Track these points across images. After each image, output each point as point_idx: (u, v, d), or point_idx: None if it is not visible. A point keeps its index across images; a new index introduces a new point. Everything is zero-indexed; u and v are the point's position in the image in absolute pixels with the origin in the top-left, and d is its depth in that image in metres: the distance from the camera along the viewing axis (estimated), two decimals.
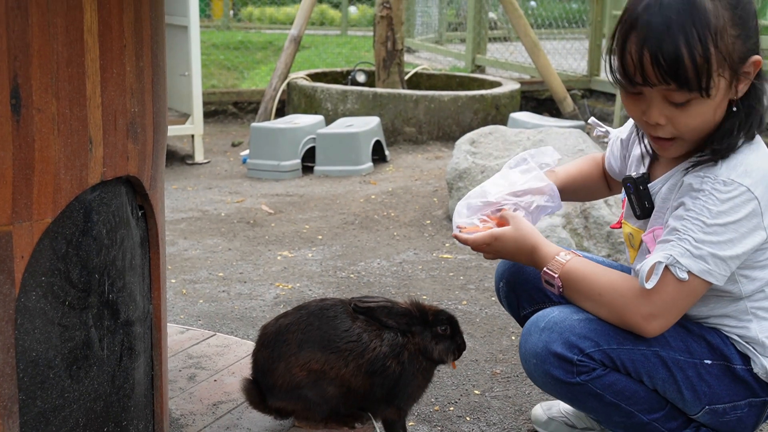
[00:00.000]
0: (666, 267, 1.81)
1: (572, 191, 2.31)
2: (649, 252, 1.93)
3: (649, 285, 1.82)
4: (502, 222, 2.09)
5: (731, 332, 1.98)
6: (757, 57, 1.82)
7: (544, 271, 1.99)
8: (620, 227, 2.16)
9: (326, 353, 2.09)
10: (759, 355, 1.96)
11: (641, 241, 2.00)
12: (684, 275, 1.81)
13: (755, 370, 1.97)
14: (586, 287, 1.94)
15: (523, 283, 2.30)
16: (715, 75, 1.77)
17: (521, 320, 2.33)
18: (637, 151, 2.12)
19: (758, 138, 1.90)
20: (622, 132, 2.22)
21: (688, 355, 1.96)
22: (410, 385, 2.14)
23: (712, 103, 1.81)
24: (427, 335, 2.14)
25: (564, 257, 1.98)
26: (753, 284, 1.93)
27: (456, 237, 2.12)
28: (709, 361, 1.97)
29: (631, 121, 2.14)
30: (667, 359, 1.95)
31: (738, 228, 1.81)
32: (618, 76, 1.85)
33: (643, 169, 2.07)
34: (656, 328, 1.89)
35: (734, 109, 1.85)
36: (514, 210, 2.11)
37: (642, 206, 2.01)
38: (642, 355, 1.94)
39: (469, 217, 2.15)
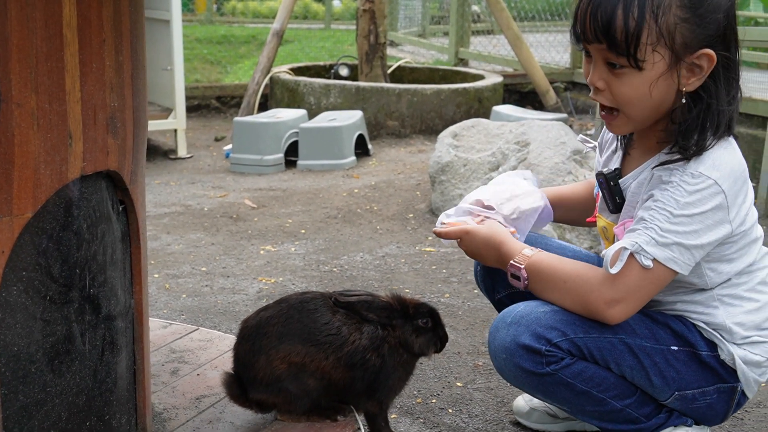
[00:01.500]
0: (631, 254, 1.84)
1: (565, 209, 2.34)
2: None
3: (614, 270, 1.85)
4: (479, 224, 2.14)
5: (697, 319, 2.01)
6: (708, 51, 1.82)
7: (511, 264, 2.02)
8: (595, 221, 2.18)
9: (306, 346, 2.10)
10: (725, 342, 1.99)
11: (614, 234, 2.03)
12: (648, 263, 1.84)
13: (722, 357, 2.00)
14: (551, 276, 1.97)
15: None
16: (648, 47, 1.81)
17: (496, 304, 2.36)
18: (612, 145, 2.14)
19: (731, 138, 1.92)
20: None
21: (654, 341, 1.99)
22: (391, 378, 2.15)
23: (646, 77, 1.84)
24: (408, 328, 2.15)
25: (529, 252, 2.02)
26: (720, 277, 1.96)
27: (435, 231, 2.17)
28: (675, 348, 2.00)
29: None
30: (633, 346, 1.98)
31: (704, 219, 1.84)
32: (570, 32, 1.91)
33: (615, 165, 2.09)
34: (619, 313, 1.92)
35: (683, 100, 1.87)
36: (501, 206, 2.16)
37: (614, 201, 2.04)
38: (608, 342, 1.97)
39: (452, 217, 2.20)
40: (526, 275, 2.00)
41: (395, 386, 2.19)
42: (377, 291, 3.53)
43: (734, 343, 1.99)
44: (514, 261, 2.01)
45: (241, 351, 2.19)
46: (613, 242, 2.03)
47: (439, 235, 2.16)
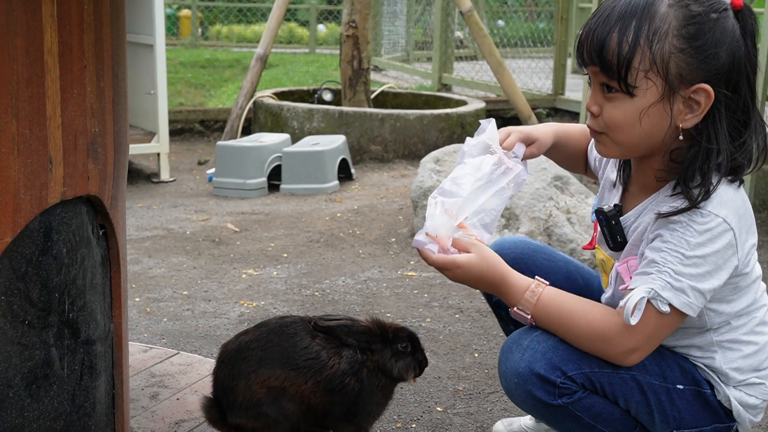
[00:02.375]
0: (647, 301, 1.81)
1: (560, 147, 2.26)
2: (624, 282, 1.93)
3: (633, 321, 1.80)
4: (464, 247, 1.99)
5: (696, 361, 1.99)
6: (704, 86, 1.80)
7: (515, 311, 1.96)
8: (592, 248, 2.16)
9: (286, 370, 2.10)
10: (721, 384, 1.97)
11: (614, 268, 2.02)
12: (666, 308, 1.81)
13: (718, 398, 1.98)
14: (563, 328, 1.93)
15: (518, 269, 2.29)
16: (640, 72, 1.79)
17: (493, 305, 2.32)
18: (612, 175, 2.11)
19: (738, 184, 1.89)
20: None
21: (662, 379, 1.96)
22: (370, 403, 2.16)
23: (637, 104, 1.82)
24: (387, 353, 2.15)
25: (532, 297, 1.94)
26: (719, 317, 1.94)
27: (418, 251, 1.99)
28: (681, 386, 1.97)
29: None
30: (643, 383, 1.95)
31: (716, 260, 1.81)
32: (575, 55, 1.92)
33: (614, 201, 2.06)
34: (635, 360, 1.90)
35: (680, 137, 1.85)
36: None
37: (614, 239, 2.00)
38: (621, 379, 1.94)
39: (440, 228, 2.00)
40: (533, 322, 1.96)
41: (374, 411, 2.19)
42: (358, 315, 3.53)
43: (730, 386, 1.98)
44: (519, 309, 1.95)
45: (220, 375, 2.19)
46: (611, 276, 2.03)
47: (424, 258, 2.00)
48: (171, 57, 11.70)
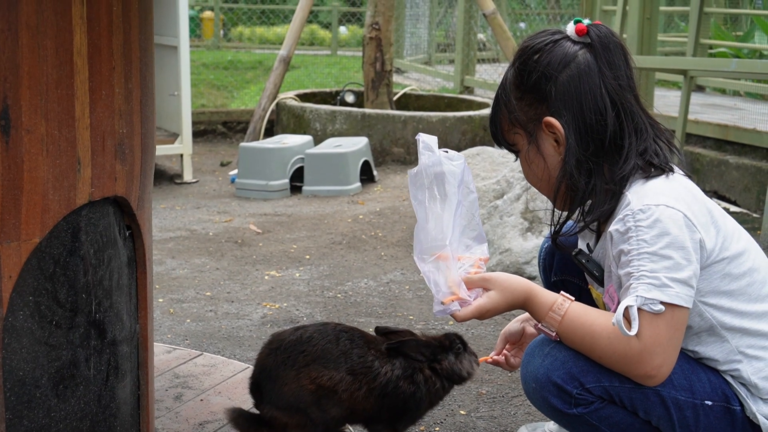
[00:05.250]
0: (639, 309, 1.80)
1: None
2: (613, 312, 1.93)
3: (632, 332, 1.80)
4: (478, 285, 2.01)
5: (725, 375, 1.96)
6: (547, 118, 1.95)
7: (540, 327, 1.97)
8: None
9: (341, 372, 2.12)
10: (750, 399, 1.94)
11: (604, 303, 2.02)
12: (659, 307, 1.80)
13: (747, 414, 1.95)
14: (586, 348, 1.92)
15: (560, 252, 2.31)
16: (509, 133, 2.03)
17: (550, 285, 2.31)
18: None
19: (674, 174, 1.93)
20: None
21: (689, 394, 1.93)
22: (417, 408, 2.20)
23: (523, 158, 2.03)
24: (451, 358, 2.22)
25: (557, 312, 1.93)
26: (723, 313, 1.91)
27: (453, 316, 2.01)
28: (709, 402, 1.94)
29: None
30: (666, 398, 1.92)
31: (680, 244, 1.81)
32: None
33: (590, 239, 2.10)
34: (663, 376, 1.87)
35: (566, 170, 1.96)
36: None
37: (594, 276, 2.05)
38: (642, 393, 1.92)
39: (451, 284, 2.01)
40: (558, 338, 1.96)
41: (417, 416, 2.24)
42: (381, 318, 3.54)
43: (761, 398, 1.95)
44: (543, 326, 1.96)
45: (269, 361, 2.18)
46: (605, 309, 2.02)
47: (457, 320, 2.02)
48: (193, 58, 11.74)
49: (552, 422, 2.42)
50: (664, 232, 1.81)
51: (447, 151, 2.05)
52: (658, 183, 1.89)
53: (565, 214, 2.08)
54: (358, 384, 2.11)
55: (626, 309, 1.80)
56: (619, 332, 1.84)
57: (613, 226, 1.88)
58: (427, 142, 2.04)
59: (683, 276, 1.81)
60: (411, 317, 3.58)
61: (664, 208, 1.82)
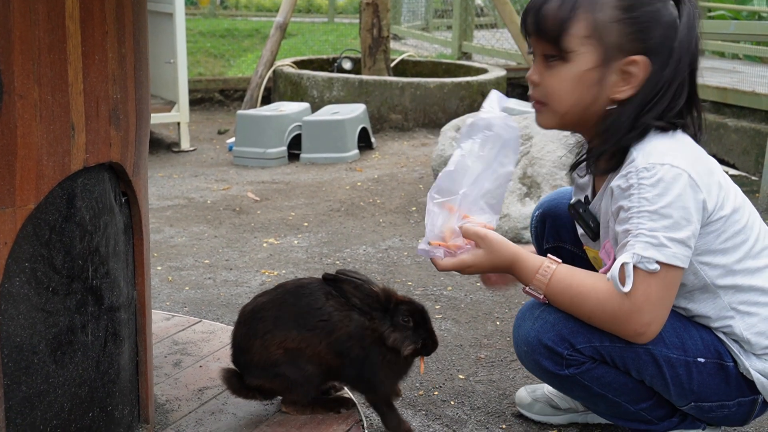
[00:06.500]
0: (634, 267, 1.80)
1: None
2: (606, 266, 1.93)
3: (626, 288, 1.80)
4: (473, 237, 1.99)
5: (717, 332, 1.98)
6: (638, 57, 1.85)
7: (528, 290, 1.97)
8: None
9: (301, 331, 2.12)
10: (743, 355, 1.95)
11: (601, 259, 2.02)
12: (654, 266, 1.80)
13: (741, 370, 1.97)
14: (575, 309, 1.93)
15: (556, 219, 2.31)
16: (576, 39, 1.85)
17: (543, 253, 2.27)
18: (583, 180, 2.15)
19: (677, 132, 1.91)
20: None
21: (681, 352, 1.95)
22: (374, 374, 2.14)
23: (573, 71, 1.87)
24: (387, 322, 2.12)
25: (544, 275, 1.93)
26: (716, 271, 1.92)
27: (433, 261, 2.01)
28: (702, 359, 1.96)
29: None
30: (658, 357, 1.94)
31: (682, 204, 1.81)
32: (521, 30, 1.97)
33: (587, 192, 2.09)
34: (652, 334, 1.88)
35: (613, 106, 1.90)
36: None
37: (589, 227, 2.03)
38: (634, 353, 1.94)
39: (444, 229, 2.01)
40: (546, 301, 1.97)
41: (384, 381, 2.18)
42: (380, 282, 3.53)
43: (753, 354, 1.96)
44: (531, 289, 1.97)
45: (237, 335, 2.22)
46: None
47: (436, 266, 2.01)
48: (190, 27, 11.68)
49: None
50: (666, 192, 1.80)
51: (509, 117, 2.03)
52: (665, 141, 1.87)
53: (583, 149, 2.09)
54: (318, 339, 2.11)
55: (622, 266, 1.80)
56: (609, 291, 1.85)
57: (616, 182, 1.87)
58: (494, 99, 2.04)
59: (682, 236, 1.81)
60: (409, 283, 3.58)
61: (669, 168, 1.81)
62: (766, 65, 7.83)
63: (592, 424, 2.39)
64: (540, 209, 2.37)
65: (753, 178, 5.39)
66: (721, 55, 9.00)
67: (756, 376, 1.96)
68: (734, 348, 1.97)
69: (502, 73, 7.73)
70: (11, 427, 1.73)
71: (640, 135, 1.88)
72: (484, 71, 7.88)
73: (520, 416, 2.44)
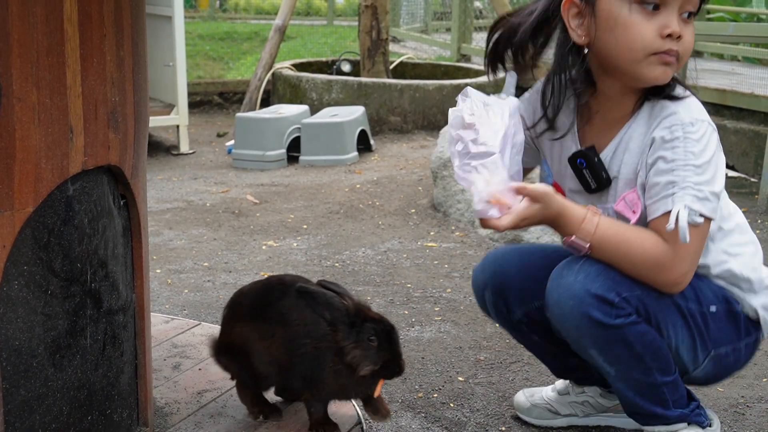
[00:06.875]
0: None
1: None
2: (628, 219, 1.96)
3: (688, 239, 1.85)
4: (532, 194, 1.94)
5: (717, 280, 2.05)
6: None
7: (573, 240, 1.95)
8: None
9: (261, 323, 2.16)
10: (744, 295, 2.03)
11: (617, 211, 2.02)
12: (699, 219, 1.87)
13: (745, 311, 2.05)
14: (620, 257, 1.94)
15: (510, 287, 2.22)
16: None
17: (513, 326, 2.27)
18: (562, 125, 2.11)
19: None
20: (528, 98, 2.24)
21: (697, 303, 2.01)
22: (319, 379, 2.08)
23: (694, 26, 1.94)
24: (351, 337, 2.04)
25: (591, 224, 1.94)
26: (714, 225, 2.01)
27: (482, 220, 1.94)
28: (714, 308, 2.02)
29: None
30: (683, 308, 2.00)
31: (716, 160, 1.90)
32: None
33: (572, 142, 2.08)
34: (686, 284, 1.96)
35: None
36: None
37: (599, 178, 2.02)
38: (665, 304, 1.98)
39: (496, 188, 1.92)
40: (589, 252, 1.96)
41: (327, 389, 2.11)
42: (380, 286, 3.54)
43: (753, 292, 2.04)
44: (577, 238, 1.95)
45: (222, 316, 2.31)
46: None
47: (496, 228, 1.94)
48: (189, 30, 11.67)
49: (550, 388, 2.43)
50: (707, 147, 1.89)
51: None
52: (695, 100, 1.96)
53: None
54: (272, 331, 2.13)
55: (677, 215, 1.86)
56: (654, 239, 1.91)
57: (659, 132, 1.92)
58: (472, 93, 2.05)
59: (718, 190, 1.91)
60: (409, 285, 3.58)
61: (708, 125, 1.91)
62: (765, 67, 7.84)
63: (592, 426, 2.39)
64: (486, 288, 2.25)
65: (752, 179, 5.39)
66: (720, 56, 9.00)
67: (762, 313, 2.05)
68: (736, 291, 2.05)
69: (501, 74, 7.73)
70: (10, 430, 1.73)
71: (677, 88, 1.96)
72: (483, 73, 7.87)
73: (519, 419, 2.44)
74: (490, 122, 1.97)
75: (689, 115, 1.90)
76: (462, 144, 1.96)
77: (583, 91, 2.04)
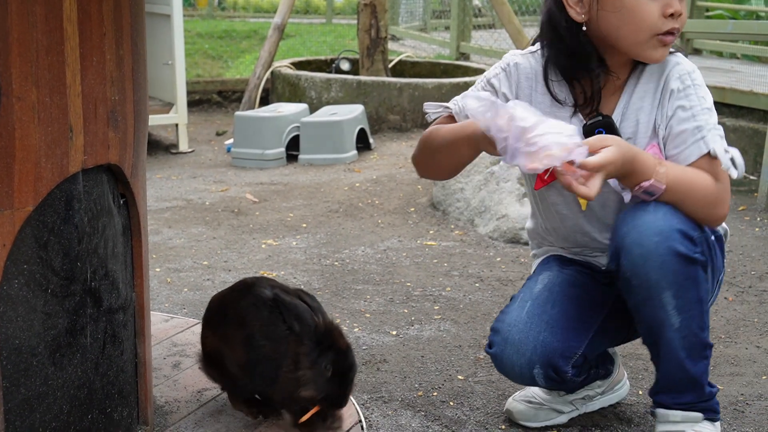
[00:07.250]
0: (718, 157, 2.02)
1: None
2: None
3: (736, 174, 2.02)
4: (600, 143, 1.92)
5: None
6: None
7: (652, 184, 1.96)
8: (542, 187, 2.13)
9: (227, 328, 2.17)
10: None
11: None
12: (731, 155, 2.03)
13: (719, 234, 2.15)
14: (688, 197, 2.00)
15: (554, 355, 2.14)
16: None
17: (570, 386, 2.27)
18: (564, 99, 2.14)
19: None
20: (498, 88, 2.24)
21: (705, 234, 2.08)
22: (278, 379, 2.07)
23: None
24: (312, 355, 2.03)
25: (663, 166, 1.99)
26: None
27: (583, 164, 1.88)
28: (712, 236, 2.11)
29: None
30: (710, 238, 2.10)
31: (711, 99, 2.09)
32: None
33: (579, 119, 2.13)
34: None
35: None
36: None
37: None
38: (707, 237, 2.08)
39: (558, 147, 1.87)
40: (663, 191, 1.99)
41: (286, 393, 2.09)
42: (379, 285, 3.54)
43: None
44: (656, 181, 1.96)
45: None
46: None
47: (589, 167, 1.88)
48: (188, 28, 11.67)
49: (538, 389, 2.40)
50: (707, 90, 2.09)
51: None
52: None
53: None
54: (233, 334, 2.14)
55: (716, 154, 2.01)
56: (709, 179, 2.02)
57: (674, 84, 2.06)
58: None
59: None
60: (408, 284, 3.58)
61: (698, 70, 2.11)
62: (765, 65, 7.84)
63: (591, 425, 2.39)
64: (537, 365, 2.15)
65: (751, 177, 5.40)
66: (719, 54, 9.00)
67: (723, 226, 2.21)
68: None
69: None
70: (10, 429, 1.73)
71: None
72: (482, 72, 7.87)
73: None
74: (507, 108, 1.90)
75: (688, 64, 2.08)
76: (503, 132, 1.90)
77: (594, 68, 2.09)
